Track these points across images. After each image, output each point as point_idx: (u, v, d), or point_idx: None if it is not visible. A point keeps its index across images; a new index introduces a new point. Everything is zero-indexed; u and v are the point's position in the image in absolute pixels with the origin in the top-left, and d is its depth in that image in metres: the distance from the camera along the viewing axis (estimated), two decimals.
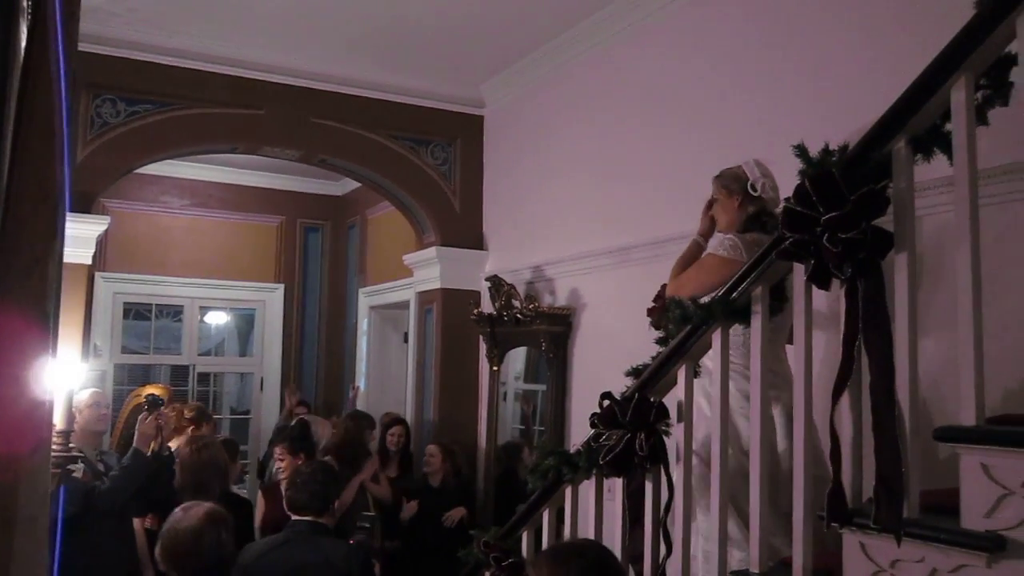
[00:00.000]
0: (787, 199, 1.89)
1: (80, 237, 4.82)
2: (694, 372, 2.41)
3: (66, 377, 3.18)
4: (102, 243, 6.65)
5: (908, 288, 1.80)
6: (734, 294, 2.20)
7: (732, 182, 3.02)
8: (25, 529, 0.72)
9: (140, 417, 4.42)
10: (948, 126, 1.79)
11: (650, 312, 3.21)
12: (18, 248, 0.68)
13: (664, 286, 3.09)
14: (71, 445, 3.45)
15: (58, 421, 3.03)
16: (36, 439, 0.77)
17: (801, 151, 1.88)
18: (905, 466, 1.74)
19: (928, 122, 1.81)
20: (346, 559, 3.21)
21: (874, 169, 1.84)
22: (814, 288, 1.97)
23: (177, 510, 2.89)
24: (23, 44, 1.01)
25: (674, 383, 2.42)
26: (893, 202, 1.82)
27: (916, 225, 1.91)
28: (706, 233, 3.14)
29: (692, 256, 3.06)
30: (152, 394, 5.32)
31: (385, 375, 7.92)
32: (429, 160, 6.10)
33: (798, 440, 2.02)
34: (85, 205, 5.01)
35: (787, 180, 2.07)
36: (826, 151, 1.86)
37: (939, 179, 2.06)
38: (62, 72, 0.77)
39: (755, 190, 2.96)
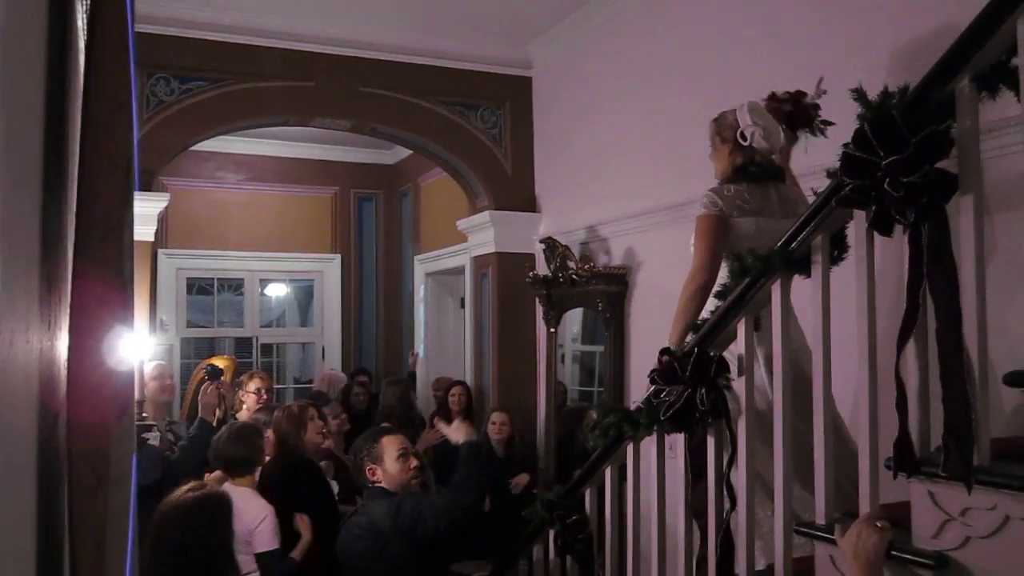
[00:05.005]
0: (845, 144, 1.85)
1: (142, 214, 4.93)
2: (755, 325, 2.38)
3: (137, 348, 3.28)
4: (163, 220, 6.81)
5: (975, 231, 1.75)
6: (793, 244, 2.17)
7: (725, 128, 2.96)
8: (117, 488, 0.76)
9: (202, 388, 4.55)
10: (1015, 61, 1.72)
11: None
12: (95, 217, 0.71)
13: None
14: (144, 414, 3.58)
15: None
16: (123, 403, 0.80)
17: (860, 95, 1.83)
18: (974, 413, 1.71)
19: (993, 58, 1.75)
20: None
21: (936, 110, 1.78)
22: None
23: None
24: (80, 23, 1.04)
25: (734, 337, 2.40)
26: (957, 143, 1.77)
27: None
28: None
29: None
30: (211, 364, 5.46)
31: (443, 341, 8.00)
32: (479, 124, 6.09)
33: (862, 391, 2.00)
34: (145, 183, 5.12)
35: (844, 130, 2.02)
36: (885, 93, 1.81)
37: (988, 122, 1.99)
38: (131, 46, 0.80)
39: (744, 139, 2.89)
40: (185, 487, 2.90)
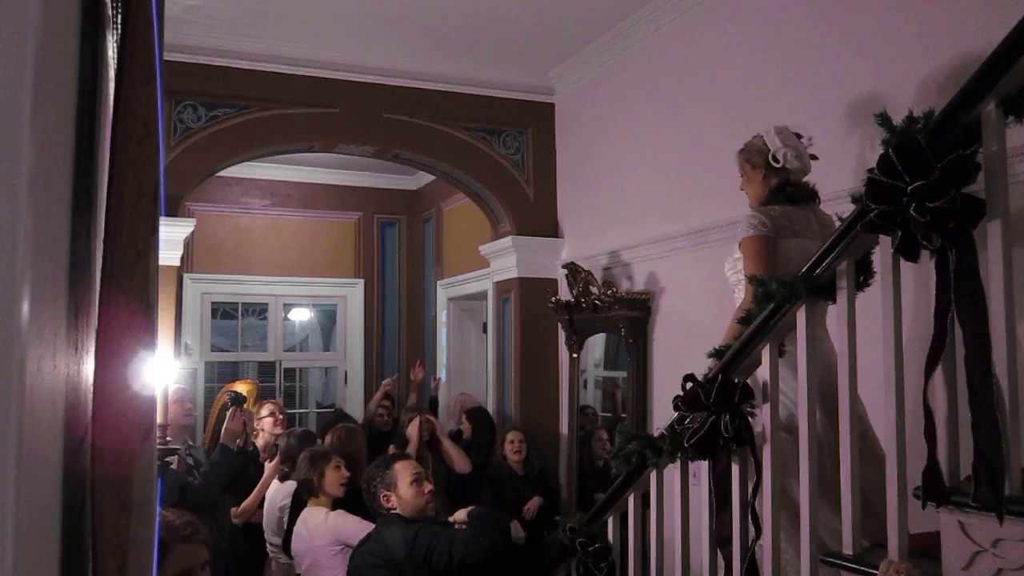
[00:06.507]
0: (870, 169, 1.84)
1: (168, 239, 4.99)
2: (779, 352, 2.36)
3: (162, 372, 3.31)
4: (189, 245, 6.88)
5: (1003, 256, 1.73)
6: (817, 270, 2.15)
7: (755, 155, 2.97)
8: (139, 513, 0.76)
9: (228, 414, 4.58)
10: None
11: None
12: (121, 243, 0.72)
13: None
14: (168, 439, 3.61)
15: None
16: (146, 429, 0.81)
17: (884, 120, 1.82)
18: (1005, 442, 1.68)
19: (1019, 82, 1.73)
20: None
21: (962, 134, 1.77)
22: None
23: None
24: (111, 52, 1.06)
25: (758, 363, 2.38)
26: (984, 168, 1.75)
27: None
28: None
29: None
30: (233, 391, 5.50)
31: (465, 366, 7.99)
32: (501, 150, 6.12)
33: (890, 419, 1.97)
34: (171, 208, 5.19)
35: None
36: (910, 118, 1.80)
37: (1015, 147, 1.97)
38: (158, 76, 0.81)
39: (776, 161, 2.89)
40: None
